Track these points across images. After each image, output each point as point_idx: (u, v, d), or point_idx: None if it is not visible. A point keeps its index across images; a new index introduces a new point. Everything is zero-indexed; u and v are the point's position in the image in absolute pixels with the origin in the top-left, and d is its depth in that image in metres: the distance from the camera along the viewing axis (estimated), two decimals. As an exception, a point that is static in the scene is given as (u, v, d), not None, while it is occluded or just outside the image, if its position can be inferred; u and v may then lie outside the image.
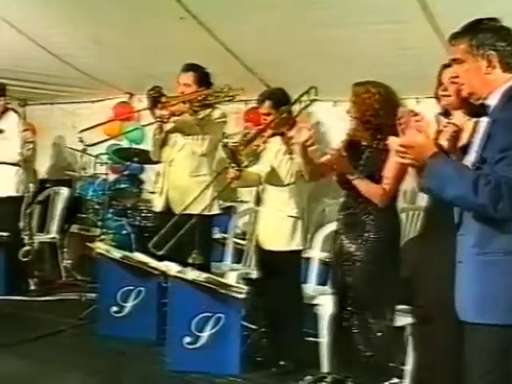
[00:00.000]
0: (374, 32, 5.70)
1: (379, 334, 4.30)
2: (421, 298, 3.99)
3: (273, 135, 5.08)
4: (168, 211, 5.72)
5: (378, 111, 4.19)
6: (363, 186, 4.24)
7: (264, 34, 6.11)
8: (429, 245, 3.96)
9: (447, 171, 2.78)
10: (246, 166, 4.96)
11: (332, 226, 5.35)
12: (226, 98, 5.52)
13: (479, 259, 2.82)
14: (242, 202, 7.58)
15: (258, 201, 5.42)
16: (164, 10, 6.26)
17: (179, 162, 5.78)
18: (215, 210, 5.83)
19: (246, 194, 7.38)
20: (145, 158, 7.70)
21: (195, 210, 5.45)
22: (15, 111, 7.78)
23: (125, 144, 9.00)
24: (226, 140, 4.98)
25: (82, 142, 7.01)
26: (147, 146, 7.68)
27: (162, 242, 5.16)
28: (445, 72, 3.79)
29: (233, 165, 4.84)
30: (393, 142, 2.95)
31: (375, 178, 4.27)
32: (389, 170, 4.23)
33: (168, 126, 5.67)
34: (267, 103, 5.20)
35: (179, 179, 5.75)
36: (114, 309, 5.89)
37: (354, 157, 4.34)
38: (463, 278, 2.92)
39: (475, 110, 3.10)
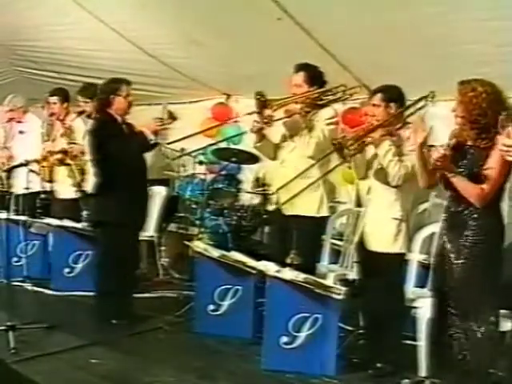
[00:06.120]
0: (476, 29, 5.56)
1: (480, 338, 4.17)
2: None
3: (382, 136, 5.04)
4: (276, 211, 5.74)
5: (486, 111, 4.08)
6: (461, 184, 4.16)
7: (364, 33, 6.03)
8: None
9: None
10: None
11: (431, 228, 5.27)
12: (342, 97, 5.57)
13: None
14: (339, 202, 7.52)
15: (358, 202, 5.38)
16: (261, 11, 6.27)
17: (289, 164, 5.78)
18: (324, 212, 5.81)
19: (344, 195, 7.34)
20: (243, 158, 7.78)
21: (303, 211, 5.46)
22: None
23: (223, 144, 9.04)
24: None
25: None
26: (245, 146, 7.72)
27: (270, 242, 5.19)
28: None
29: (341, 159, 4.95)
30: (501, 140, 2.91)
31: (477, 177, 4.17)
32: (491, 169, 4.11)
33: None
34: (379, 95, 5.16)
35: (289, 180, 5.71)
36: (211, 307, 5.97)
37: (458, 156, 4.25)
38: None
39: None
